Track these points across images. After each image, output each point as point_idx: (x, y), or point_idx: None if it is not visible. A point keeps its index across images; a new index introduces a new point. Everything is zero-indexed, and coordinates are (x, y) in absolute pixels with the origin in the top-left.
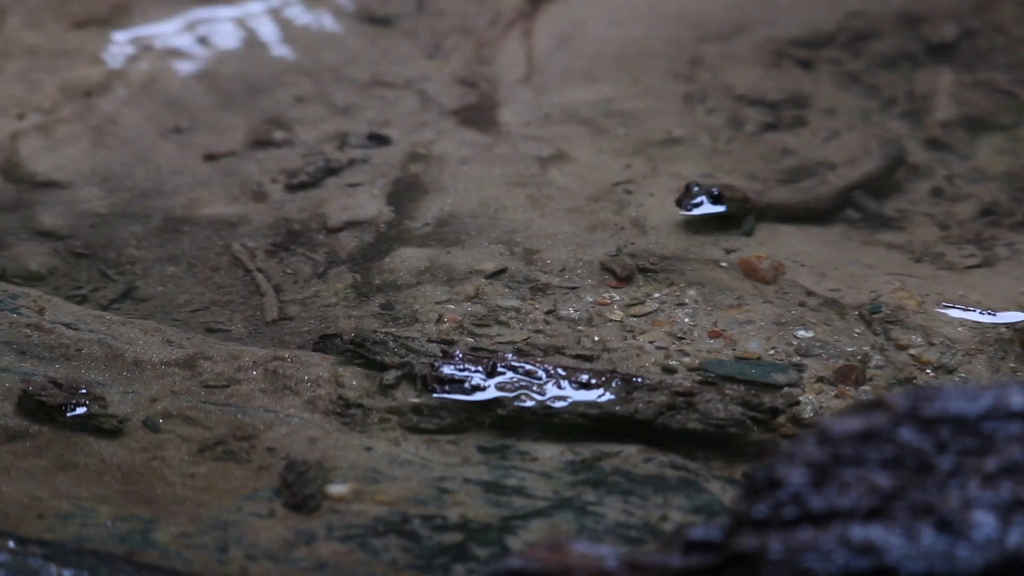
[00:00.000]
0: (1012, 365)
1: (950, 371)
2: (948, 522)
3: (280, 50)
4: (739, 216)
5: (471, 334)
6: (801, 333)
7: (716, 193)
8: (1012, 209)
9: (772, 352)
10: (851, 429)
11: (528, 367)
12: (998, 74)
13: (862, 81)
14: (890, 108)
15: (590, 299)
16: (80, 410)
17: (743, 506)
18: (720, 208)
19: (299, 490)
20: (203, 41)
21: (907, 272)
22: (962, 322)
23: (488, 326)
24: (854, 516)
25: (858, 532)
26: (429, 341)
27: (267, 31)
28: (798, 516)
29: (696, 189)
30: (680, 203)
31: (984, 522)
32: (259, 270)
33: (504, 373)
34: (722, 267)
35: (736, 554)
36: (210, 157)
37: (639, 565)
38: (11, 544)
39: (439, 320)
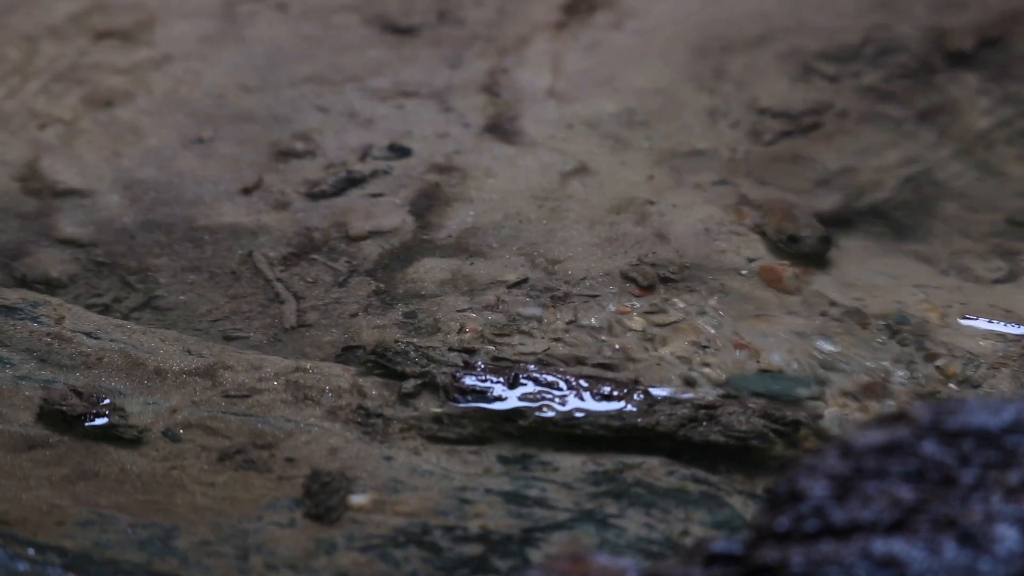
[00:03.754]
0: None
1: (975, 385)
2: (970, 535)
3: (302, 60)
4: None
5: (492, 343)
6: (825, 345)
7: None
8: None
9: (795, 365)
10: (874, 442)
11: (550, 378)
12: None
13: (887, 93)
14: (917, 120)
15: (612, 308)
16: (100, 421)
17: (765, 519)
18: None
19: (322, 500)
20: (223, 51)
21: (931, 284)
22: (986, 335)
23: (509, 335)
24: (876, 529)
25: (880, 545)
26: (450, 350)
27: (289, 42)
28: (820, 529)
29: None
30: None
31: (1007, 536)
32: (279, 279)
33: (526, 384)
34: (743, 275)
35: (758, 567)
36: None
37: None
38: (30, 551)
39: (461, 330)
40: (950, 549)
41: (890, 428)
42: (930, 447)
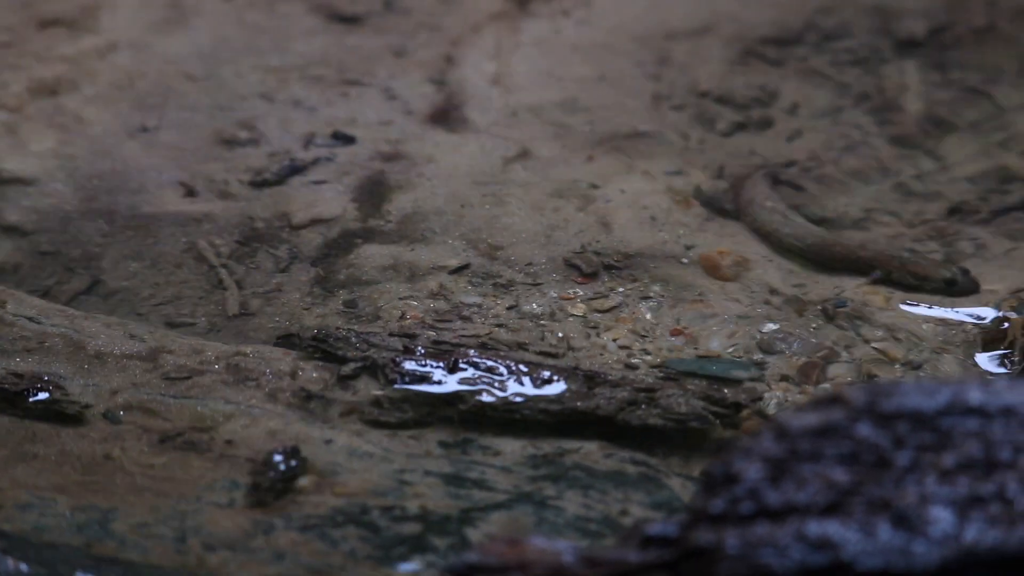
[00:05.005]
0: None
1: (916, 367)
2: (905, 517)
3: (247, 49)
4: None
5: (433, 329)
6: (765, 329)
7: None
8: (978, 207)
9: (734, 349)
10: (809, 424)
11: (490, 363)
12: (967, 72)
13: (830, 78)
14: (859, 105)
15: (554, 295)
16: (42, 395)
17: (700, 501)
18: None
19: (263, 481)
20: (169, 40)
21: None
22: (928, 319)
23: (450, 321)
24: (811, 511)
25: (814, 527)
26: (391, 335)
27: (234, 30)
28: (755, 511)
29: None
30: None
31: (941, 518)
32: (223, 266)
33: (466, 369)
34: (684, 264)
35: (692, 549)
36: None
37: (596, 560)
38: None
39: (402, 316)
40: (884, 531)
41: (825, 411)
42: (865, 429)
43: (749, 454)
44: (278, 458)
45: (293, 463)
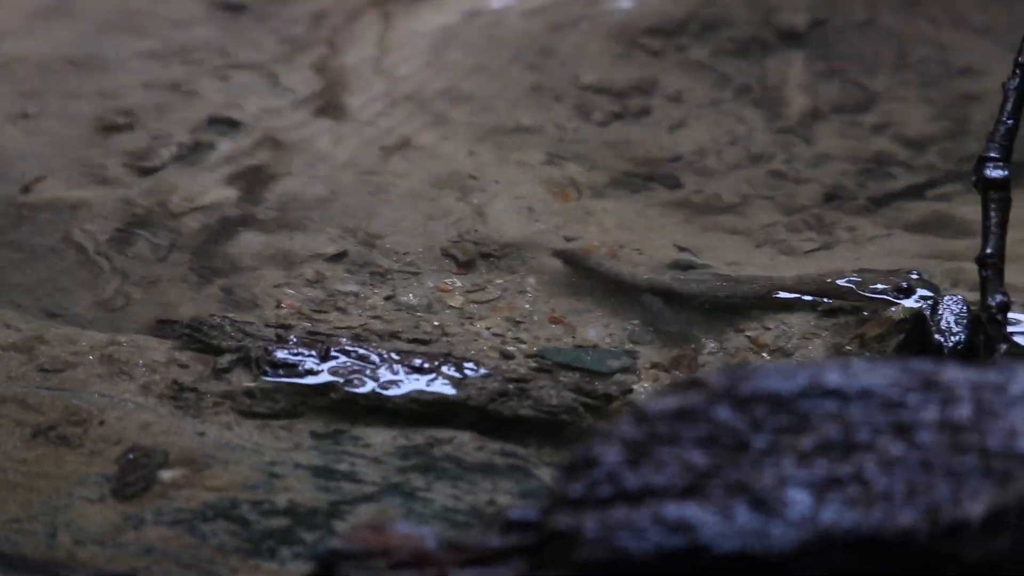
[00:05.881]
0: (848, 348)
1: (787, 354)
2: (762, 500)
3: (131, 35)
4: None
5: (309, 319)
6: (637, 319)
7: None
8: (855, 194)
9: (609, 339)
10: (667, 408)
11: (361, 351)
12: (847, 63)
13: (712, 69)
14: (740, 97)
15: (431, 285)
16: None
17: (561, 486)
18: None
19: (130, 475)
20: (52, 25)
21: (746, 260)
22: (799, 306)
23: (326, 311)
24: (669, 494)
25: (672, 510)
26: (266, 326)
27: (118, 17)
28: (613, 494)
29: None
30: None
31: (798, 500)
32: (101, 255)
33: (338, 357)
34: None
35: (552, 533)
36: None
37: (459, 545)
38: None
39: (278, 305)
40: (742, 513)
41: (684, 394)
42: (723, 412)
43: (608, 438)
44: (137, 455)
45: (154, 458)
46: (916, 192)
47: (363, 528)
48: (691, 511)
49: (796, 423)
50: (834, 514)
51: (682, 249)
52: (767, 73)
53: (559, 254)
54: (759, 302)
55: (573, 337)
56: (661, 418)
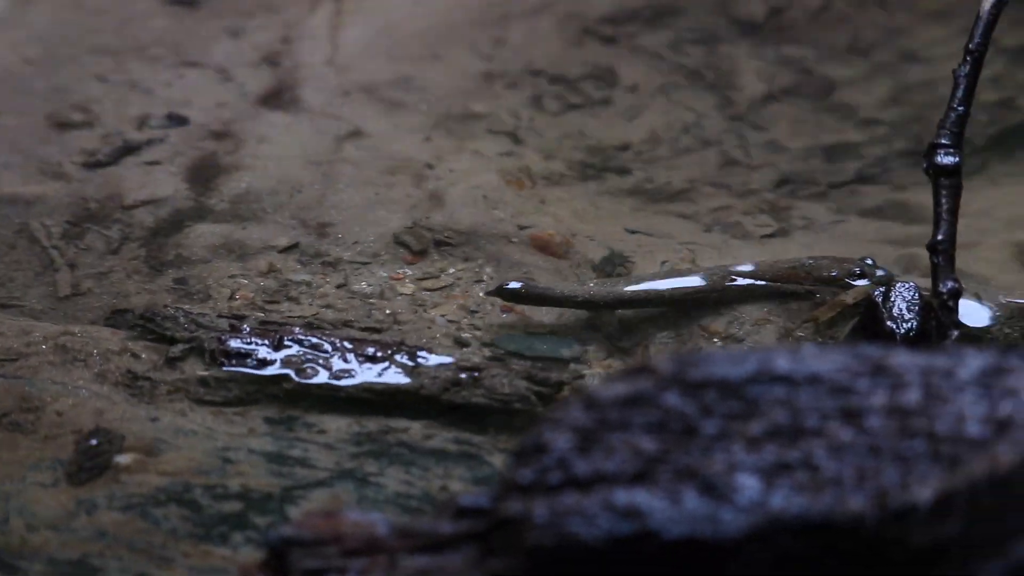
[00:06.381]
0: (800, 335)
1: (739, 340)
2: (712, 485)
3: (84, 32)
4: None
5: (262, 309)
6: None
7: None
8: (809, 180)
9: (562, 327)
10: (617, 394)
11: (314, 340)
12: (802, 51)
13: (667, 58)
14: (695, 84)
15: (383, 273)
16: None
17: (511, 472)
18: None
19: (85, 461)
20: (7, 24)
21: (698, 241)
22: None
23: (279, 302)
24: (618, 480)
25: (622, 496)
26: (220, 316)
27: (72, 14)
28: (563, 481)
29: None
30: None
31: (748, 485)
32: (55, 247)
33: (291, 346)
34: (514, 242)
35: (503, 519)
36: None
37: (410, 532)
38: None
39: (231, 296)
40: (691, 499)
41: (633, 380)
42: (672, 398)
43: (558, 424)
44: (94, 440)
45: (108, 442)
46: (870, 178)
47: (315, 515)
48: (640, 497)
49: (745, 409)
50: (783, 499)
51: (632, 232)
52: (721, 60)
53: (499, 293)
54: (716, 295)
55: (527, 325)
56: (611, 404)
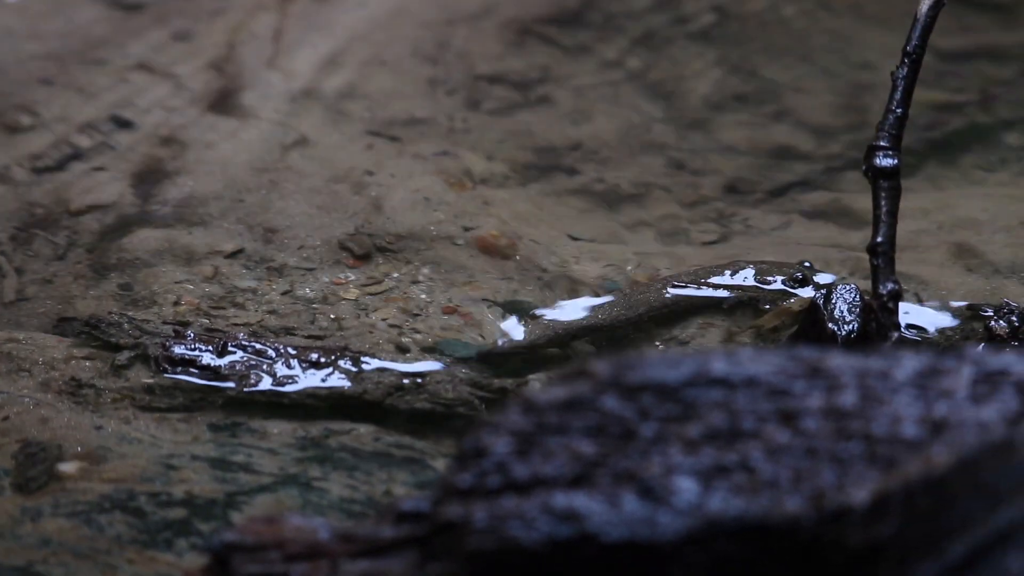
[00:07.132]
0: (745, 340)
1: (683, 344)
2: (650, 488)
3: (29, 37)
4: None
5: (208, 316)
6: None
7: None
8: (755, 184)
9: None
10: (556, 398)
11: (258, 346)
12: (749, 54)
13: (611, 60)
14: (640, 87)
15: (327, 279)
16: None
17: (451, 476)
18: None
19: (31, 470)
20: None
21: (646, 250)
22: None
23: (224, 308)
24: (557, 484)
25: (561, 499)
26: (164, 323)
27: (16, 19)
28: (502, 485)
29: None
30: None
31: (685, 488)
32: (2, 252)
33: (235, 352)
34: (459, 244)
35: (443, 523)
36: None
37: (351, 536)
38: None
39: (176, 302)
40: (630, 502)
41: (572, 384)
42: (610, 402)
43: (497, 428)
44: (36, 448)
45: (53, 450)
46: (815, 183)
47: (257, 520)
48: (579, 500)
49: (683, 412)
50: (721, 502)
51: (575, 239)
52: (668, 63)
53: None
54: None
55: (470, 327)
56: (549, 408)
